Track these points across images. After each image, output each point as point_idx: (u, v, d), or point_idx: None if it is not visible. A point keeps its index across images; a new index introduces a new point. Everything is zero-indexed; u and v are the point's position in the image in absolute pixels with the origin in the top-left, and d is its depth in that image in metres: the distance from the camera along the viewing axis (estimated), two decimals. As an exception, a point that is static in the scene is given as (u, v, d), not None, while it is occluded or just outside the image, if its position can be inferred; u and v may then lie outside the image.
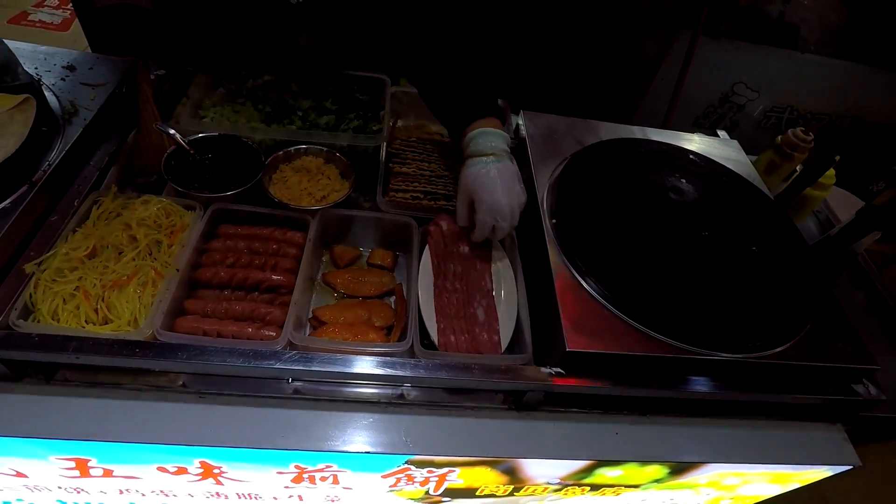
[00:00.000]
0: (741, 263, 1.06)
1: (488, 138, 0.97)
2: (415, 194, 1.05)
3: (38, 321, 0.83)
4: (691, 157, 1.28)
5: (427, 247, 1.01)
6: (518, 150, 1.27)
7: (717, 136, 1.48)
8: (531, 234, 1.08)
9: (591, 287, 0.95)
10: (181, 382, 0.90)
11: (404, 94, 1.32)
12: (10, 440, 0.83)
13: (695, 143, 1.37)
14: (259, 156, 1.07)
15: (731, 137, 1.47)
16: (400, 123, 1.28)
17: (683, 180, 1.20)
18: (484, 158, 0.96)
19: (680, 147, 1.31)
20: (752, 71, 2.42)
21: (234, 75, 1.25)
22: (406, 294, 1.01)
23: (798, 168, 1.39)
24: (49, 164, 0.94)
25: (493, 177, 0.95)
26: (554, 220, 1.05)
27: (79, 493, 1.07)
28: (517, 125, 1.33)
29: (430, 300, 0.96)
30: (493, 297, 1.01)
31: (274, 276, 0.96)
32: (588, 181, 1.12)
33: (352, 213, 1.07)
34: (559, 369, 0.89)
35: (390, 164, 1.09)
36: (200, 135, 1.08)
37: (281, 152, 1.10)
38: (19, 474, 0.98)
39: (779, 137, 1.37)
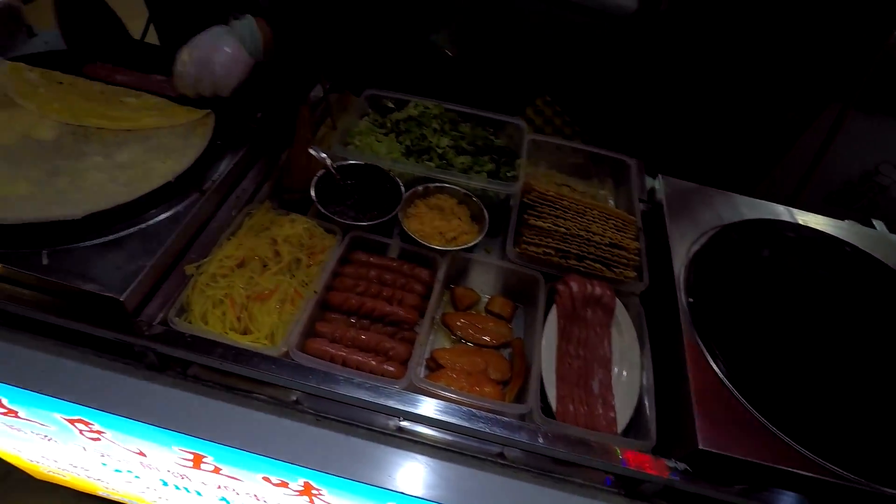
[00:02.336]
0: (907, 382, 0.94)
1: None
2: (547, 250, 1.03)
3: (190, 321, 0.89)
4: (846, 248, 1.17)
5: (554, 306, 0.99)
6: (652, 214, 1.22)
7: (874, 226, 1.35)
8: (663, 309, 1.02)
9: (730, 380, 0.88)
10: (294, 398, 0.93)
11: (536, 143, 1.32)
12: (144, 426, 0.89)
13: (847, 231, 1.25)
14: (399, 189, 1.10)
15: (868, 219, 1.34)
16: (530, 170, 1.27)
17: (838, 274, 1.10)
18: None
19: (833, 235, 1.20)
20: (903, 150, 2.21)
21: (381, 106, 1.31)
22: (526, 351, 0.98)
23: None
24: (218, 175, 1.01)
25: None
26: (691, 299, 0.99)
27: (182, 478, 1.14)
28: (652, 188, 1.28)
29: (552, 364, 0.93)
30: (613, 370, 0.96)
31: (400, 311, 0.97)
32: (731, 262, 1.05)
33: (480, 258, 1.07)
34: (686, 466, 0.82)
35: (525, 215, 1.08)
36: (348, 162, 1.13)
37: (420, 188, 1.13)
38: (140, 453, 1.05)
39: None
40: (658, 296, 1.05)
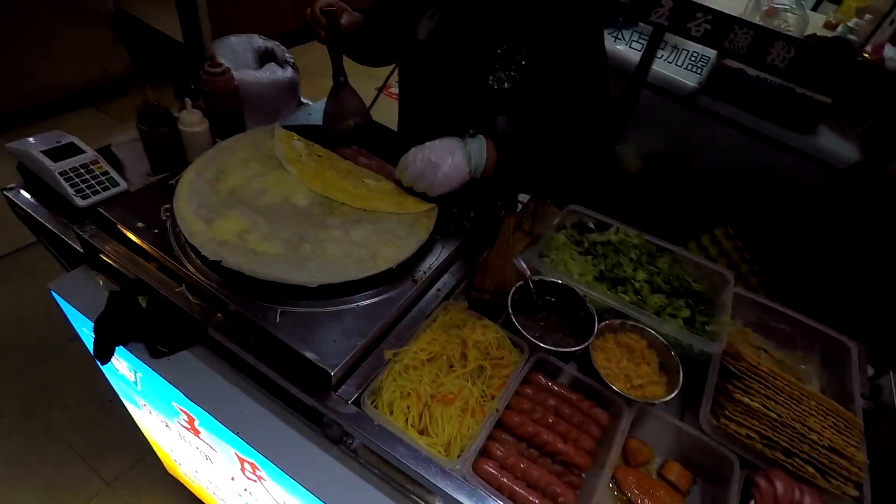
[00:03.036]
0: None
1: None
2: (751, 433, 0.92)
3: (377, 406, 0.91)
4: None
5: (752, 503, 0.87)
6: (875, 416, 1.05)
7: None
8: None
9: None
10: (439, 505, 0.90)
11: (739, 297, 1.22)
12: (301, 488, 0.92)
13: None
14: (593, 319, 1.07)
15: None
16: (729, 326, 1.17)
17: None
18: None
19: None
20: None
21: (580, 223, 1.31)
22: (708, 546, 0.87)
23: None
24: (429, 267, 1.07)
25: None
26: (933, 552, 0.81)
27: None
28: (877, 384, 1.11)
29: (744, 576, 0.80)
30: None
31: (572, 453, 0.92)
32: None
33: (665, 416, 0.99)
34: None
35: (729, 386, 0.98)
36: (549, 279, 1.13)
37: (617, 322, 1.09)
38: (284, 507, 1.09)
39: None
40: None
